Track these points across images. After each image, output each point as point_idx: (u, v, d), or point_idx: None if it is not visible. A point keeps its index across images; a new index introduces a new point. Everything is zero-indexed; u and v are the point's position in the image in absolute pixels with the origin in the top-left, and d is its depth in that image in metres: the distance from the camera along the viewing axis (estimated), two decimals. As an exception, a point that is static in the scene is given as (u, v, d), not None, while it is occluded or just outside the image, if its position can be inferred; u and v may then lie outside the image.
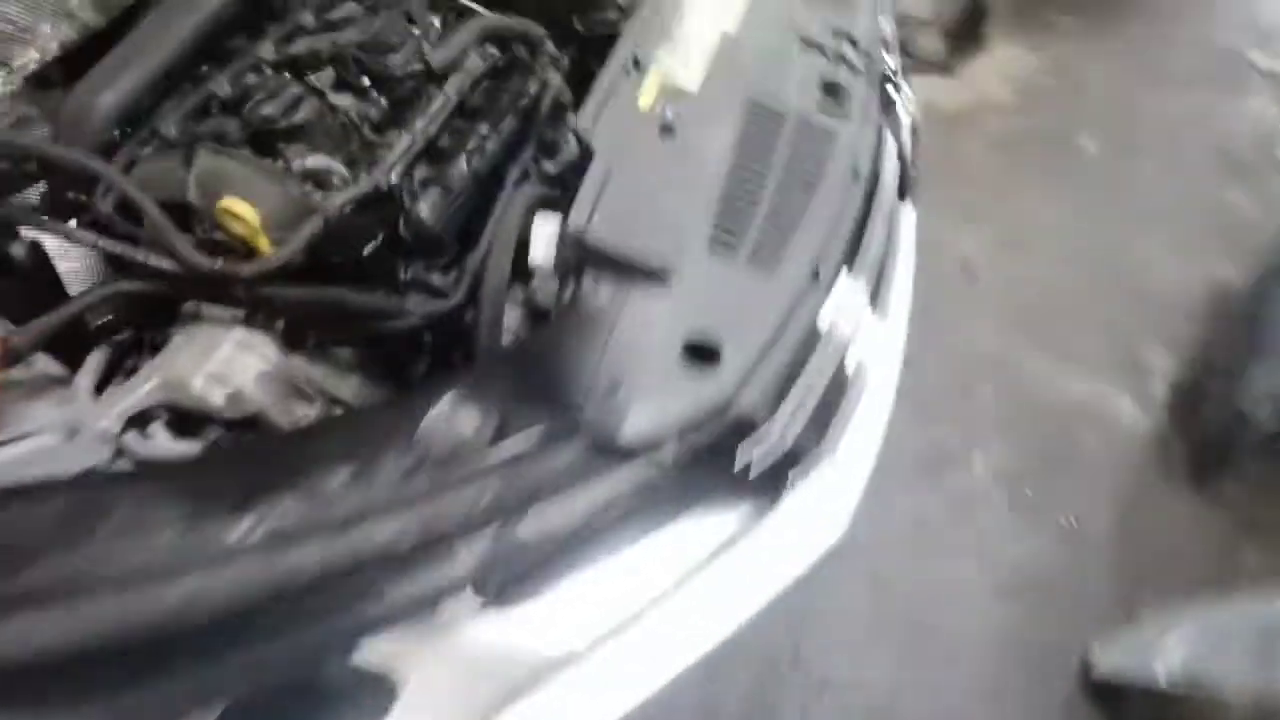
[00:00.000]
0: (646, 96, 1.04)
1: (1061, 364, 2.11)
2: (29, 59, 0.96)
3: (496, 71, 1.12)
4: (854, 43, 1.20)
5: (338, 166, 0.91)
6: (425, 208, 0.93)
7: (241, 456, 0.80)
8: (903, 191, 1.23)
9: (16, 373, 0.80)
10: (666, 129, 1.00)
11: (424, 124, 0.99)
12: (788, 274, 0.93)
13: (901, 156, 1.20)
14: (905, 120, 1.20)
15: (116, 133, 0.90)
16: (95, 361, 0.82)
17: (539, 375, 0.82)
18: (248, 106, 0.91)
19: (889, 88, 1.21)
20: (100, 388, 0.83)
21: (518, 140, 1.06)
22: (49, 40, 0.98)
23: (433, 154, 0.99)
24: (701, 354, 0.84)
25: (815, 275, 0.95)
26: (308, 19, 1.07)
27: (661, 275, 0.88)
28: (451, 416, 0.71)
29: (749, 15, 1.20)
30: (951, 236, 2.37)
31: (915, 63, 3.12)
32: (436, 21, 1.15)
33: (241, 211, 0.80)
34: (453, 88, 1.05)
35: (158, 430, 0.78)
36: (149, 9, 0.99)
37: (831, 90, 1.11)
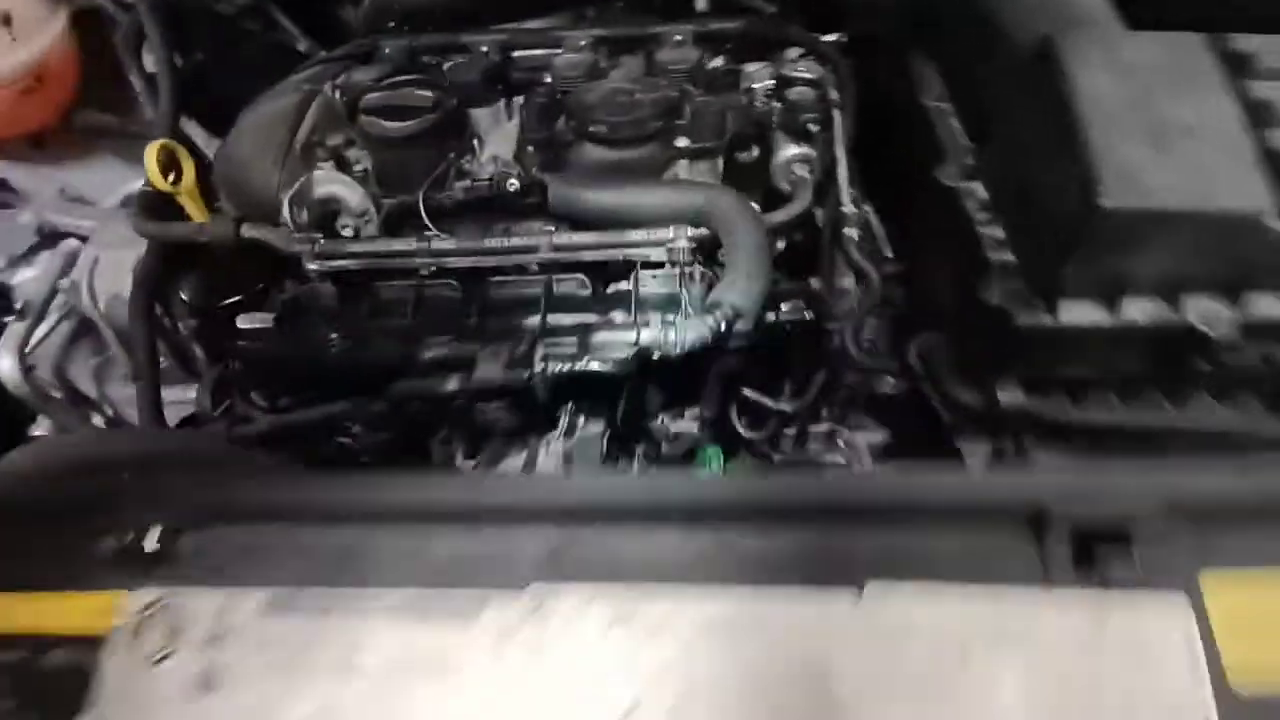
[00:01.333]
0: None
1: None
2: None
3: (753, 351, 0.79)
4: None
5: (356, 204, 0.85)
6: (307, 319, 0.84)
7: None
8: None
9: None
10: None
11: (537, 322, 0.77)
12: None
13: None
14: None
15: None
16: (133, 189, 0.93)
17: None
18: (412, 81, 0.89)
19: None
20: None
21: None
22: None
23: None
24: None
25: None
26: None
27: None
28: None
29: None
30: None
31: None
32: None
33: (185, 166, 0.88)
34: (649, 338, 0.73)
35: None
36: None
37: None
